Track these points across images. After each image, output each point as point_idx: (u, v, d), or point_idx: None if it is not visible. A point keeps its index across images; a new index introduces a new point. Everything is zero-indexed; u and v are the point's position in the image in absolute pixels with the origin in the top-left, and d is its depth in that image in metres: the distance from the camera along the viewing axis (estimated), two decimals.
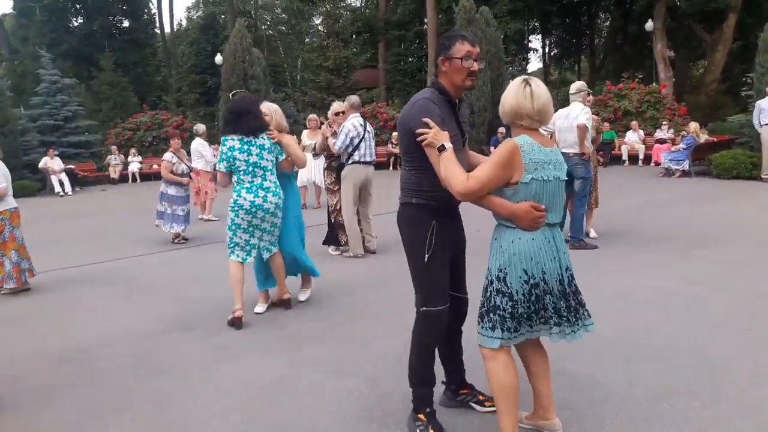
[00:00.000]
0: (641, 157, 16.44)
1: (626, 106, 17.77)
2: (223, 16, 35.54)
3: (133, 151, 20.70)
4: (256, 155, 4.50)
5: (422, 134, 2.50)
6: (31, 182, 17.19)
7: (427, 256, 2.65)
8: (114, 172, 19.95)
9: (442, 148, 2.46)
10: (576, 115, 6.66)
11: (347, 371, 3.57)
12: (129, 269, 6.86)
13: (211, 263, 6.83)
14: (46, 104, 19.92)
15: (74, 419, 3.16)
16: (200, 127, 9.74)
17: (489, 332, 2.47)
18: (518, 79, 2.47)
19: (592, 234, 7.14)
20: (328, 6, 27.10)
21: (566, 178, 2.50)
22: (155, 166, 20.25)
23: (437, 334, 2.74)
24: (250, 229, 4.58)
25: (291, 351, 3.99)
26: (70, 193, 17.13)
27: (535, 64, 44.94)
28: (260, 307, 4.88)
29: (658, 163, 14.85)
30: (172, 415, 3.15)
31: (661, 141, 16.03)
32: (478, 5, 18.24)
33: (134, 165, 20.32)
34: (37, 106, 20.05)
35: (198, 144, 9.68)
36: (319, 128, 7.89)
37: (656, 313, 4.40)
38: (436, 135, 2.48)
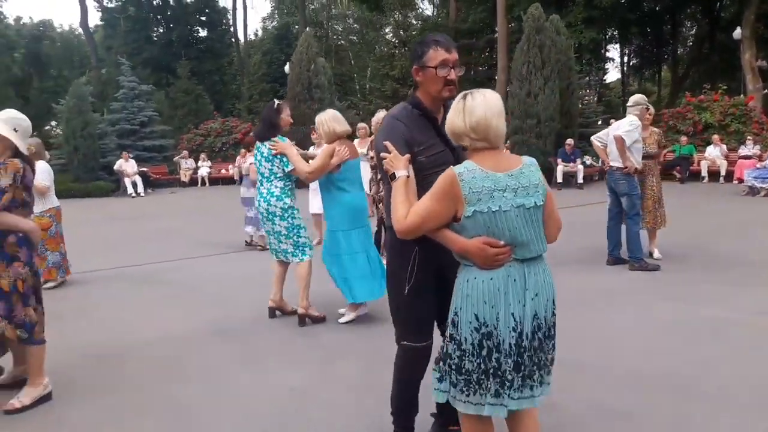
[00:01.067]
0: (723, 173, 15.45)
1: (707, 119, 16.77)
2: (296, 27, 36.49)
3: (203, 156, 21.48)
4: (257, 161, 4.74)
5: (385, 158, 2.30)
6: (106, 183, 18.12)
7: (407, 288, 2.41)
8: (184, 176, 20.75)
9: (392, 177, 2.23)
10: (620, 127, 6.35)
11: (369, 389, 3.45)
12: (183, 270, 7.04)
13: (266, 268, 6.88)
14: (125, 109, 21.01)
15: (95, 421, 3.20)
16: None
17: (436, 382, 2.21)
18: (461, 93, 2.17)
19: (656, 255, 6.71)
20: (397, 15, 27.30)
21: (540, 203, 2.09)
22: (223, 171, 20.97)
23: (417, 371, 2.56)
24: (267, 230, 4.84)
25: (319, 363, 3.93)
26: (142, 194, 17.94)
27: (614, 74, 43.48)
28: (345, 317, 4.77)
29: (741, 181, 13.89)
30: (187, 423, 3.14)
31: (746, 157, 15.00)
32: (548, 13, 17.78)
33: (203, 169, 21.08)
34: (116, 111, 21.18)
35: None
36: (370, 136, 7.83)
37: (717, 347, 4.02)
38: (391, 161, 2.26)
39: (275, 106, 4.70)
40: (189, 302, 5.58)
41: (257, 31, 56.31)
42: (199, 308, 5.33)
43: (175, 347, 4.33)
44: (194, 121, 25.01)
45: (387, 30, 37.01)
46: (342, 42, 43.02)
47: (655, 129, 7.00)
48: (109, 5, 33.49)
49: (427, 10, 39.35)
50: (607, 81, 41.34)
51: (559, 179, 15.36)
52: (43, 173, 6.02)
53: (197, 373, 3.84)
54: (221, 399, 3.42)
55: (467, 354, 2.08)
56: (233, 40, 38.59)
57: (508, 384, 2.06)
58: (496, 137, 2.08)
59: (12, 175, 3.08)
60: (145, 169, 19.24)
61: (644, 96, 6.87)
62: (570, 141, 15.36)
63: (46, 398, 3.34)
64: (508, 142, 18.12)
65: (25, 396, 3.26)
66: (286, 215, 4.63)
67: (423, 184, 2.27)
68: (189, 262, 7.58)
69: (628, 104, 6.66)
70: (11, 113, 3.25)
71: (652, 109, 7.01)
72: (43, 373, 3.35)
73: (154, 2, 33.03)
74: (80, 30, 37.34)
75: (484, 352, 2.06)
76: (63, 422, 3.19)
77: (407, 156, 2.28)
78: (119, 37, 31.80)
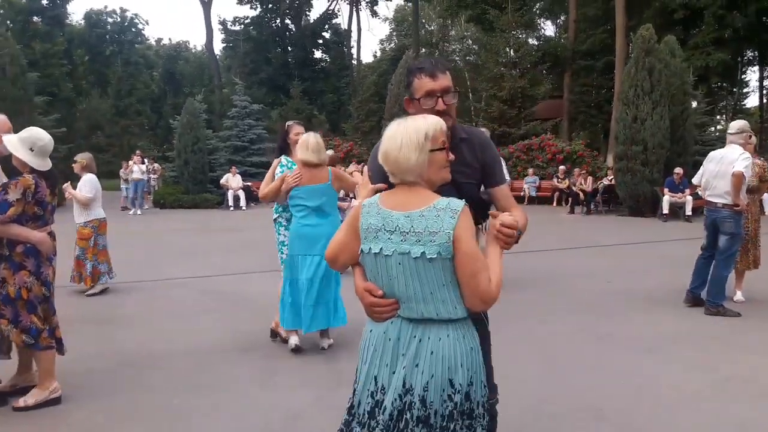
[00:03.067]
0: None
1: None
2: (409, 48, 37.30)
3: None
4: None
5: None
6: (212, 196, 19.42)
7: None
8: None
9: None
10: (733, 160, 5.70)
11: None
12: (238, 284, 7.38)
13: None
14: (236, 127, 22.50)
15: (91, 423, 3.44)
16: (328, 153, 10.25)
17: None
18: None
19: (737, 297, 6.08)
20: (511, 35, 26.97)
21: (431, 255, 1.74)
22: None
23: None
24: None
25: (328, 388, 3.95)
26: (243, 208, 19.00)
27: (755, 99, 39.91)
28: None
29: None
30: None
31: None
32: (674, 34, 16.79)
33: None
34: (228, 128, 22.72)
35: None
36: None
37: None
38: (359, 187, 2.19)
39: (286, 126, 4.94)
40: (227, 316, 5.83)
41: (376, 53, 58.25)
42: (234, 323, 5.55)
43: (197, 359, 4.55)
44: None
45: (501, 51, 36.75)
46: (459, 63, 43.25)
47: (758, 161, 6.35)
48: (233, 28, 36.17)
49: (549, 30, 38.67)
50: (748, 106, 38.12)
51: (665, 210, 14.32)
52: (87, 185, 6.59)
53: (209, 385, 4.00)
54: (219, 412, 3.56)
55: (356, 413, 1.92)
56: (353, 61, 40.16)
57: None
58: (400, 171, 1.82)
59: (22, 191, 3.37)
60: (249, 183, 20.40)
61: (747, 122, 6.26)
62: (678, 170, 14.27)
63: (53, 402, 3.58)
64: (609, 170, 17.22)
65: (30, 397, 3.56)
66: (274, 226, 4.97)
67: None
68: (248, 276, 7.91)
69: (730, 131, 6.04)
70: (31, 131, 3.56)
71: (754, 138, 6.37)
72: (52, 378, 3.60)
73: (274, 25, 35.22)
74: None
75: (346, 410, 1.95)
76: (60, 420, 3.45)
77: (374, 186, 2.08)
78: (239, 57, 34.22)
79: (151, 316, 5.89)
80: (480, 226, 2.36)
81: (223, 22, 36.66)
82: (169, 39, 68.65)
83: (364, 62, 43.69)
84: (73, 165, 7.00)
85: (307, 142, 4.45)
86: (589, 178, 17.23)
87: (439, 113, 2.06)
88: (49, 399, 3.56)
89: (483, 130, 2.36)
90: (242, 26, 35.79)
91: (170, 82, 51.07)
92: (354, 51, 42.88)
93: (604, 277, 7.63)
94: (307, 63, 35.75)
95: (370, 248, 1.84)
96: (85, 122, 35.86)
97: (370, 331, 1.91)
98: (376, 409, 1.82)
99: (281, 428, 3.38)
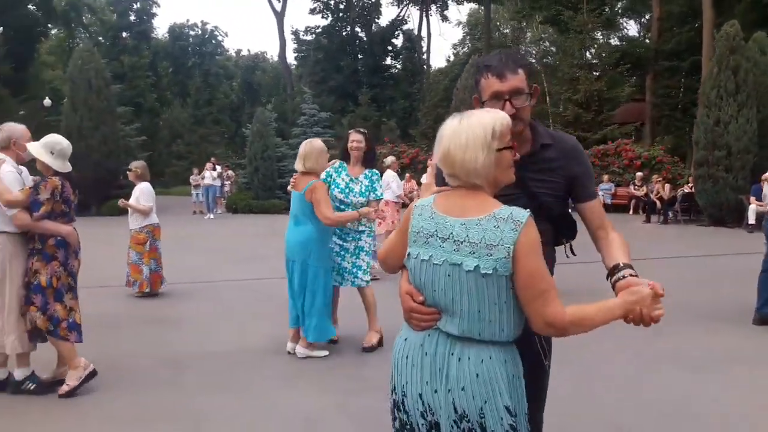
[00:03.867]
0: None
1: None
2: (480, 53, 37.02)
3: None
4: None
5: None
6: (280, 201, 20.00)
7: None
8: None
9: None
10: None
11: (380, 427, 3.41)
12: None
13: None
14: (304, 134, 23.04)
15: (125, 420, 3.63)
16: (388, 160, 10.28)
17: None
18: None
19: None
20: (587, 36, 26.17)
21: (487, 270, 1.57)
22: None
23: None
24: None
25: (347, 394, 3.97)
26: None
27: None
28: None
29: None
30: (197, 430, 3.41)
31: None
32: (759, 30, 15.77)
33: None
34: (296, 135, 23.35)
35: (387, 176, 10.20)
36: None
37: None
38: (424, 187, 2.08)
39: (347, 134, 5.08)
40: (271, 319, 5.94)
41: (449, 57, 58.17)
42: (273, 326, 5.64)
43: (233, 360, 4.69)
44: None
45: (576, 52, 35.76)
46: (536, 66, 42.49)
47: None
48: (305, 38, 37.20)
49: (632, 29, 37.26)
50: None
51: (751, 220, 13.40)
52: (145, 194, 7.00)
53: (236, 387, 4.12)
54: (242, 415, 3.65)
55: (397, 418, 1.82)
56: (425, 67, 40.31)
57: None
58: (465, 173, 1.63)
59: (51, 191, 3.76)
60: None
61: None
62: (767, 175, 13.34)
63: (91, 375, 3.90)
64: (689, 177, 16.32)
65: (70, 379, 3.84)
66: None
67: None
68: None
69: None
70: (51, 138, 3.95)
71: None
72: (77, 356, 3.89)
73: (345, 34, 35.90)
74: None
75: (396, 424, 1.80)
76: (91, 414, 3.66)
77: (439, 189, 1.84)
78: (309, 66, 35.16)
79: (199, 318, 6.13)
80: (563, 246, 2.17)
81: (295, 32, 37.93)
82: (248, 50, 71.40)
83: (436, 67, 43.74)
84: (128, 173, 7.44)
85: (302, 154, 4.65)
86: (667, 186, 16.42)
87: (514, 118, 1.83)
88: (87, 374, 3.87)
89: (571, 136, 2.09)
90: (314, 36, 36.75)
91: (248, 91, 53.12)
92: (426, 56, 43.10)
93: (667, 290, 7.23)
94: (376, 70, 36.21)
95: (418, 254, 1.69)
96: (167, 131, 37.85)
97: (405, 339, 1.77)
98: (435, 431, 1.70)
99: (298, 429, 3.43)
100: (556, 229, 2.04)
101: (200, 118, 41.73)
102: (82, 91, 18.15)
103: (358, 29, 37.29)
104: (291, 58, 41.63)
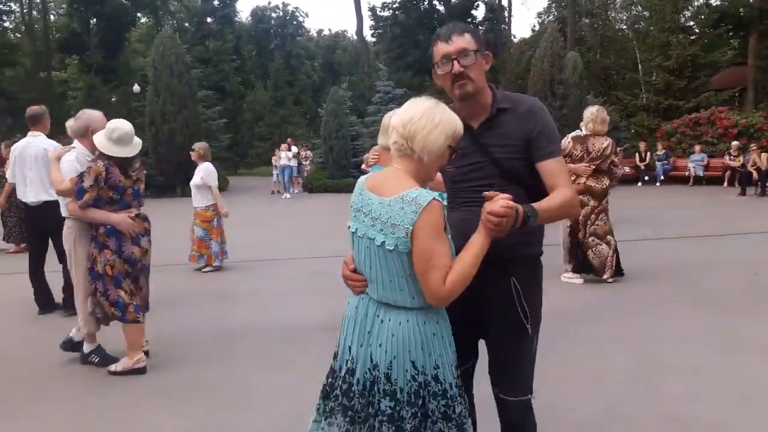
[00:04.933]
0: None
1: None
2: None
3: None
4: None
5: None
6: (354, 180, 20.10)
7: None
8: None
9: None
10: None
11: None
12: None
13: None
14: (379, 112, 23.06)
15: (167, 391, 3.81)
16: None
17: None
18: None
19: None
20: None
21: (390, 247, 1.78)
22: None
23: None
24: None
25: None
26: None
27: None
28: None
29: None
30: (238, 404, 3.53)
31: None
32: None
33: None
34: (371, 114, 23.40)
35: None
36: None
37: None
38: None
39: None
40: (327, 296, 6.02)
41: (534, 26, 56.14)
42: (329, 303, 5.71)
43: (281, 336, 4.80)
44: None
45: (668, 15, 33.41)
46: (626, 32, 40.17)
47: None
48: (382, 14, 37.02)
49: None
50: None
51: None
52: (209, 174, 7.25)
53: (281, 363, 4.22)
54: (281, 391, 3.74)
55: (334, 377, 2.04)
56: (507, 38, 39.07)
57: (334, 409, 1.97)
58: (421, 148, 1.81)
59: (94, 177, 3.79)
60: None
61: None
62: None
63: (138, 371, 4.00)
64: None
65: (120, 364, 4.03)
66: None
67: (452, 199, 2.19)
68: None
69: None
70: (111, 123, 3.93)
71: None
72: (138, 349, 4.03)
73: (422, 8, 35.37)
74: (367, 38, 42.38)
75: (329, 370, 2.07)
76: (138, 385, 3.86)
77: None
78: (387, 43, 34.98)
79: (258, 294, 6.32)
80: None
81: (372, 9, 37.79)
82: (329, 29, 72.24)
83: (520, 37, 42.27)
84: (191, 153, 7.75)
85: (384, 121, 4.44)
86: (764, 155, 15.14)
87: (456, 77, 2.00)
88: (134, 368, 3.99)
89: (532, 97, 2.14)
90: (391, 11, 36.48)
91: (329, 71, 53.75)
92: (508, 27, 41.71)
93: (754, 268, 6.72)
94: None
95: (349, 226, 1.95)
96: (250, 113, 38.99)
97: (348, 302, 2.02)
98: (351, 377, 1.93)
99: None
100: (532, 192, 2.03)
101: (280, 99, 42.68)
102: (164, 76, 19.00)
103: (436, 2, 36.63)
104: (369, 35, 41.75)
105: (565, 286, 6.20)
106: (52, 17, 42.30)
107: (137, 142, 4.02)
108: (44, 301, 5.63)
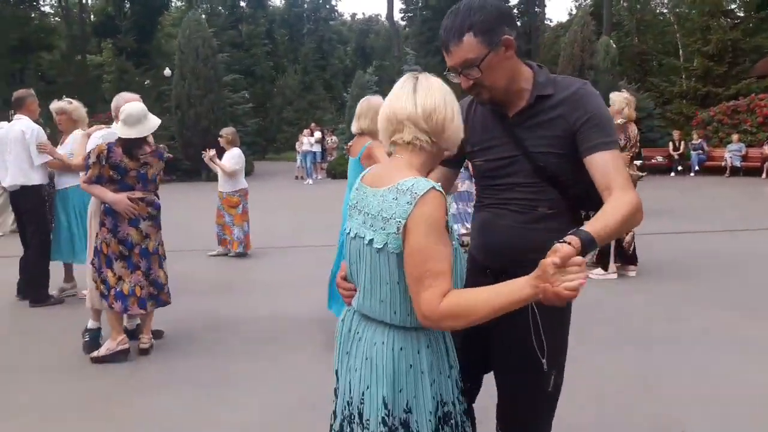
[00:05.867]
0: None
1: None
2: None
3: None
4: None
5: None
6: None
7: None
8: None
9: None
10: None
11: None
12: None
13: None
14: None
15: (151, 382, 3.77)
16: None
17: None
18: None
19: None
20: None
21: (378, 245, 1.45)
22: None
23: None
24: None
25: None
26: None
27: None
28: None
29: None
30: (220, 394, 3.48)
31: None
32: None
33: None
34: None
35: None
36: None
37: None
38: None
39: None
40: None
41: (571, 10, 54.84)
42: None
43: (278, 327, 4.74)
44: None
45: None
46: (667, 15, 38.86)
47: None
48: None
49: None
50: None
51: None
52: (234, 158, 7.23)
53: (271, 354, 4.16)
54: (266, 382, 3.68)
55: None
56: (543, 22, 38.27)
57: None
58: (446, 138, 1.53)
59: (96, 155, 3.84)
60: None
61: None
62: None
63: (121, 353, 4.01)
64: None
65: (103, 348, 4.03)
66: None
67: (479, 198, 1.92)
68: None
69: None
70: (124, 107, 3.92)
71: None
72: (119, 331, 4.05)
73: None
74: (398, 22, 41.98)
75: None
76: (127, 375, 3.84)
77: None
78: (416, 26, 34.50)
79: (266, 282, 6.27)
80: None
81: None
82: (363, 13, 71.87)
83: (557, 21, 41.33)
84: (219, 139, 7.75)
85: (357, 108, 4.21)
86: None
87: (469, 90, 1.73)
88: (117, 351, 4.00)
89: (580, 80, 1.77)
90: None
91: (362, 56, 53.44)
92: (542, 12, 40.76)
93: None
94: None
95: (344, 226, 1.69)
96: (280, 98, 39.10)
97: (342, 317, 1.71)
98: (337, 407, 1.65)
99: (315, 403, 3.35)
100: (571, 198, 1.73)
101: (308, 84, 42.66)
102: (190, 60, 19.12)
103: None
104: (399, 18, 41.33)
105: None
106: (89, 1, 43.03)
107: (149, 125, 3.97)
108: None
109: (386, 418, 1.47)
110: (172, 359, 4.08)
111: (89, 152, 3.98)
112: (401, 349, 1.49)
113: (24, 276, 5.56)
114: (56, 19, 37.89)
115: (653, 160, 18.19)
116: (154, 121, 4.01)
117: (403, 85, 1.54)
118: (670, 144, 18.58)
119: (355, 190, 1.61)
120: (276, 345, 4.34)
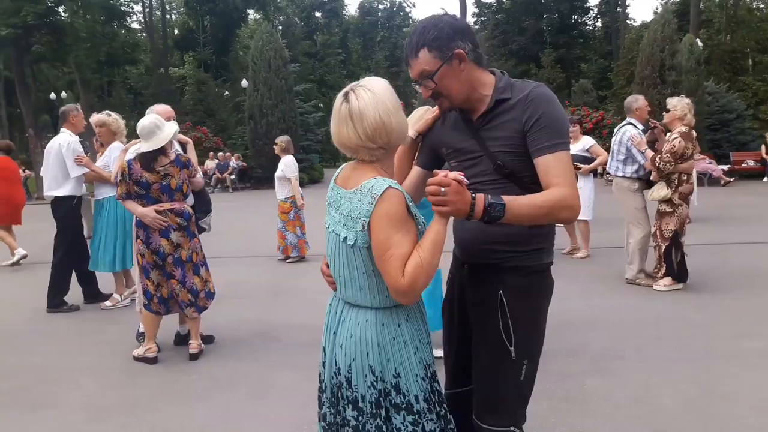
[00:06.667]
0: None
1: None
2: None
3: None
4: None
5: None
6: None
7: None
8: None
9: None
10: None
11: None
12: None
13: None
14: None
15: (184, 389, 3.85)
16: None
17: None
18: None
19: None
20: None
21: (350, 241, 1.69)
22: None
23: None
24: None
25: None
26: None
27: None
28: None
29: None
30: (258, 400, 3.50)
31: None
32: None
33: None
34: None
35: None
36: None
37: None
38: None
39: None
40: None
41: (657, 8, 52.53)
42: None
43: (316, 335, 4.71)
44: None
45: None
46: (764, 10, 36.46)
47: None
48: (486, 0, 36.15)
49: None
50: None
51: None
52: (290, 166, 7.40)
53: (304, 364, 4.13)
54: (298, 390, 3.66)
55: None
56: (625, 21, 36.94)
57: (319, 418, 1.94)
58: (388, 136, 1.69)
59: (121, 173, 3.99)
60: None
61: None
62: None
63: (148, 360, 4.14)
64: None
65: (136, 351, 4.23)
66: None
67: None
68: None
69: None
70: (139, 122, 4.00)
71: None
72: (150, 339, 4.18)
73: None
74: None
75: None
76: (158, 377, 3.93)
77: (427, 119, 2.06)
78: (489, 30, 34.14)
79: (317, 290, 6.21)
80: None
81: None
82: None
83: (641, 20, 39.69)
84: (274, 147, 7.95)
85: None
86: None
87: (431, 98, 1.88)
88: (144, 357, 4.15)
89: (537, 83, 1.86)
90: None
91: None
92: (624, 11, 39.22)
93: None
94: (564, 29, 33.94)
95: (325, 220, 1.88)
96: None
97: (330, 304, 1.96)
98: (323, 381, 1.91)
99: None
100: (534, 192, 1.79)
101: None
102: (262, 71, 19.70)
103: None
104: (472, 23, 40.90)
105: (619, 293, 5.64)
106: (173, 17, 45.34)
107: (162, 136, 3.99)
108: (90, 293, 5.97)
109: (374, 382, 1.72)
110: (216, 366, 4.14)
111: (117, 169, 4.16)
112: (383, 325, 1.73)
113: (81, 282, 5.89)
114: (143, 35, 40.18)
115: (744, 164, 17.13)
116: (168, 131, 4.02)
117: (339, 111, 1.69)
118: (763, 147, 17.35)
119: (330, 189, 1.84)
120: (315, 352, 4.33)
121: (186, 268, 4.15)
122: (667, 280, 5.63)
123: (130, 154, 4.51)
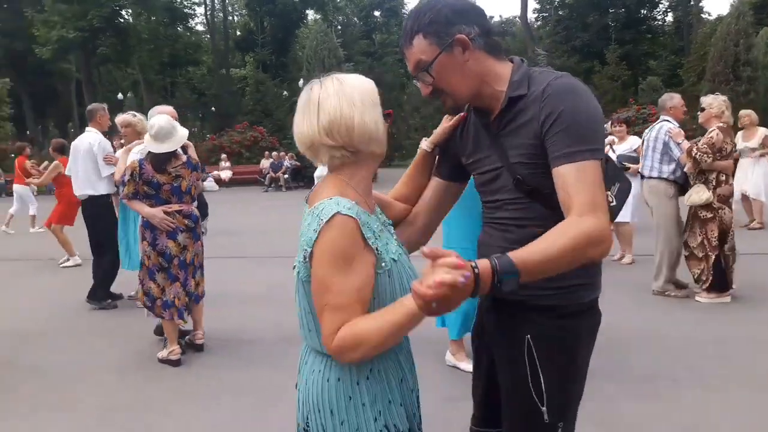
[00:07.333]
0: None
1: None
2: None
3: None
4: None
5: None
6: None
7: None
8: None
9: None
10: None
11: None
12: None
13: None
14: None
15: (192, 391, 3.79)
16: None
17: None
18: None
19: None
20: None
21: (295, 271, 1.37)
22: None
23: None
24: None
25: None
26: None
27: None
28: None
29: None
30: (266, 405, 3.41)
31: None
32: None
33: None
34: None
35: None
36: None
37: None
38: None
39: None
40: None
41: (734, 1, 50.08)
42: None
43: None
44: (614, 107, 24.21)
45: None
46: None
47: None
48: None
49: None
50: None
51: None
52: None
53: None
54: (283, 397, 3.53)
55: None
56: (699, 14, 35.41)
57: None
58: (364, 140, 1.40)
59: (130, 172, 3.93)
60: None
61: None
62: None
63: (172, 363, 4.09)
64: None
65: (159, 353, 4.17)
66: None
67: (484, 211, 1.73)
68: None
69: None
70: (153, 123, 3.94)
71: None
72: (173, 341, 4.12)
73: None
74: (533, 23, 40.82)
75: None
76: (167, 379, 3.89)
77: (444, 127, 1.71)
78: (551, 26, 33.31)
79: None
80: None
81: None
82: (500, 15, 70.79)
83: (717, 14, 37.88)
84: None
85: None
86: None
87: (430, 96, 1.56)
88: (167, 359, 4.10)
89: (560, 74, 1.49)
90: None
91: None
92: (697, 4, 37.48)
93: None
94: (630, 24, 32.73)
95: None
96: (409, 105, 39.52)
97: None
98: None
99: None
100: (562, 215, 1.39)
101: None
102: (316, 70, 19.79)
103: None
104: (533, 19, 40.10)
105: (654, 306, 5.23)
106: (234, 18, 46.45)
107: (177, 138, 3.98)
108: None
109: None
110: (236, 369, 4.08)
111: (125, 169, 4.07)
112: (338, 380, 1.38)
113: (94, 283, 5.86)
114: (206, 36, 41.34)
115: None
116: (182, 133, 4.02)
117: (300, 99, 1.41)
118: None
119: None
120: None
121: (188, 271, 4.15)
122: (713, 292, 5.23)
123: (135, 154, 4.52)
